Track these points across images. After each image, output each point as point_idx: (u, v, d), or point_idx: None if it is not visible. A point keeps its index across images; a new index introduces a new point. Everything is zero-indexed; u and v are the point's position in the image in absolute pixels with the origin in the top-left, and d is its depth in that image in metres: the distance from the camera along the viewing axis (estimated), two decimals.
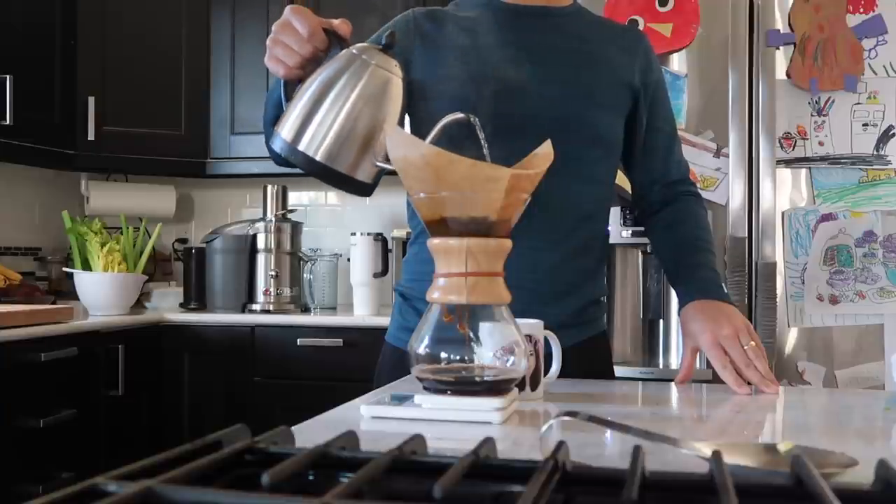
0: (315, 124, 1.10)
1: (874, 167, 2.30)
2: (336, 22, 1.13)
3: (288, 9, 1.13)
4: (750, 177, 2.30)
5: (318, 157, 1.10)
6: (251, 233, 3.03)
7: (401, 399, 0.98)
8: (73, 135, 2.97)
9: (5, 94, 2.63)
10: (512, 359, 0.94)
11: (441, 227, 0.92)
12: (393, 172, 1.04)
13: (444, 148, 0.91)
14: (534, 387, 1.07)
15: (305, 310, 3.06)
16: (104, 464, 2.45)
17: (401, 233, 2.96)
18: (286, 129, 1.12)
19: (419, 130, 1.35)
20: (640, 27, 2.30)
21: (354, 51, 1.12)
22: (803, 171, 2.33)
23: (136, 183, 3.46)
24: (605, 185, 1.43)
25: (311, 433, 0.82)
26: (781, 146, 2.32)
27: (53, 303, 2.76)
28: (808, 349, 2.30)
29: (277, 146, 1.13)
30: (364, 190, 1.15)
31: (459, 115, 1.08)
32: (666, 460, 0.67)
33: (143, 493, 0.42)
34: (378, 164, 1.11)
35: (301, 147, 1.10)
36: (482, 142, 1.06)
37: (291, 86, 1.16)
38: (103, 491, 0.43)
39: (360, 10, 2.81)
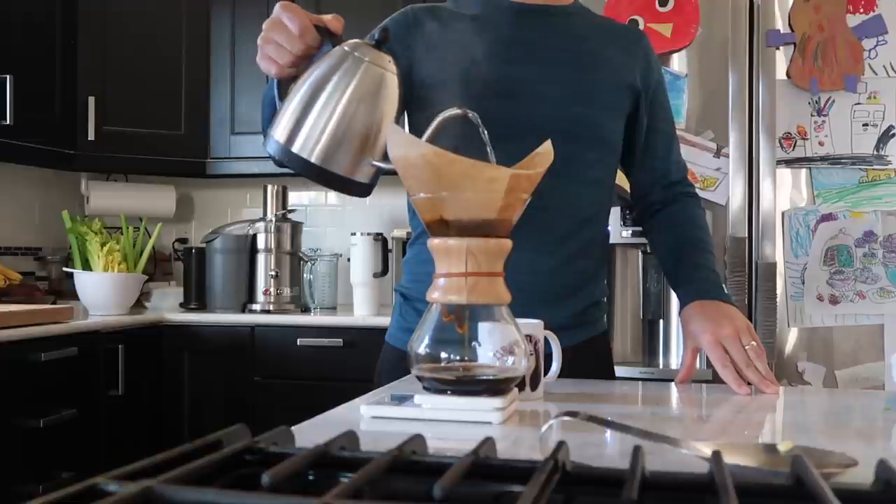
0: (308, 125, 1.07)
1: (874, 167, 2.30)
2: (328, 18, 1.10)
3: (278, 6, 1.11)
4: (750, 177, 2.30)
5: (312, 160, 1.07)
6: (251, 233, 3.03)
7: (401, 399, 0.98)
8: (73, 135, 2.97)
9: (5, 94, 2.63)
10: (512, 359, 0.94)
11: (441, 227, 0.92)
12: (391, 172, 1.02)
13: (445, 148, 0.91)
14: (534, 387, 1.07)
15: (305, 310, 3.06)
16: (104, 464, 2.45)
17: (401, 233, 2.96)
18: (279, 131, 1.08)
19: (418, 130, 1.35)
20: (640, 27, 2.30)
21: (346, 48, 1.08)
22: (803, 171, 2.33)
23: (136, 183, 3.46)
24: (605, 186, 1.42)
25: (311, 433, 0.82)
26: (781, 146, 2.32)
27: (53, 303, 2.76)
28: (808, 349, 2.30)
29: (271, 149, 1.09)
30: (362, 191, 1.12)
31: (457, 111, 1.04)
32: (666, 460, 0.67)
33: (143, 493, 0.42)
34: (375, 163, 1.08)
35: (295, 149, 1.07)
36: (484, 138, 1.03)
37: (286, 84, 1.13)
38: (103, 491, 0.43)
39: (360, 8, 2.81)
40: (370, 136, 1.08)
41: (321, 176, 1.08)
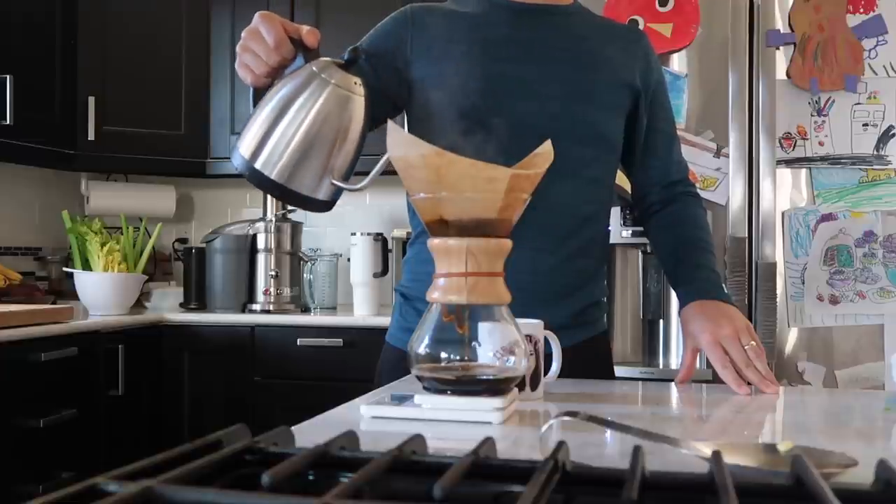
0: (272, 143, 1.10)
1: (874, 167, 2.30)
2: (304, 31, 1.12)
3: (257, 15, 1.13)
4: (750, 177, 2.30)
5: (272, 176, 1.10)
6: (251, 233, 3.03)
7: (401, 399, 0.98)
8: (73, 135, 2.97)
9: (5, 94, 2.63)
10: (512, 359, 0.94)
11: (441, 227, 0.92)
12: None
13: (444, 148, 0.91)
14: (534, 387, 1.07)
15: (305, 310, 3.05)
16: (104, 464, 2.45)
17: (401, 233, 2.96)
18: (244, 146, 1.12)
19: (418, 128, 1.35)
20: (640, 27, 2.30)
21: (315, 68, 1.11)
22: (803, 171, 2.33)
23: (136, 183, 3.46)
24: (605, 186, 1.42)
25: (311, 433, 0.82)
26: (781, 146, 2.32)
27: (53, 303, 2.76)
28: (808, 349, 2.30)
29: (236, 162, 1.13)
30: (322, 208, 1.16)
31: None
32: (666, 460, 0.67)
33: (143, 493, 0.42)
34: (335, 182, 1.12)
35: (258, 165, 1.11)
36: None
37: (262, 92, 1.16)
38: (103, 491, 0.43)
39: (360, 7, 2.81)
40: (331, 157, 1.11)
41: (280, 192, 1.12)
